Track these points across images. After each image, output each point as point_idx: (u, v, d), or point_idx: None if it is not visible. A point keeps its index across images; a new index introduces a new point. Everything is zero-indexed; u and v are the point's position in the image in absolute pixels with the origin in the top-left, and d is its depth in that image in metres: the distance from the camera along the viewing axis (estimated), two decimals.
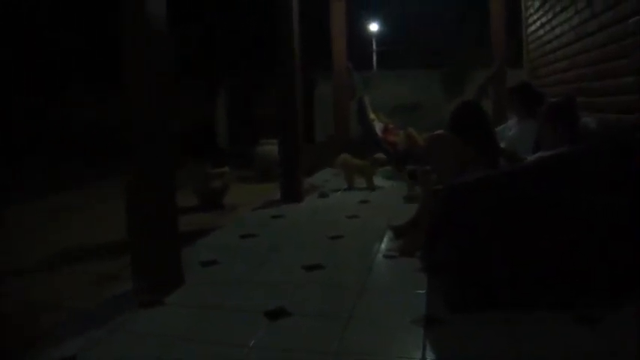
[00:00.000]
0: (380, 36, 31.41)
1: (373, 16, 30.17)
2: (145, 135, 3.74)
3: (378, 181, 7.91)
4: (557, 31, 6.56)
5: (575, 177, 3.33)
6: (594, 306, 3.16)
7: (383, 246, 4.73)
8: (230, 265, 4.45)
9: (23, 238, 5.92)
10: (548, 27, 7.13)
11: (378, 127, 9.05)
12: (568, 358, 2.72)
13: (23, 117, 11.08)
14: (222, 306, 3.59)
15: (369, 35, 30.90)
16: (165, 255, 3.88)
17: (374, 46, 30.89)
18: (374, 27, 31.23)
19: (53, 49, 12.00)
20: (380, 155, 8.15)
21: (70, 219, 6.85)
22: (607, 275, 3.22)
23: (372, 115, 9.14)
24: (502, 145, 5.01)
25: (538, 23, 7.76)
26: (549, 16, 7.01)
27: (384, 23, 31.14)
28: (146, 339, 3.15)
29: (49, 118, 11.57)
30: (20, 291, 4.26)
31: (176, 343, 3.08)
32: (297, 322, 3.30)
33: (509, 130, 5.54)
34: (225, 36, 14.73)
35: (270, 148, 9.12)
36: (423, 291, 3.66)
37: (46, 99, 11.77)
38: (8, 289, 4.29)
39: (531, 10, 8.32)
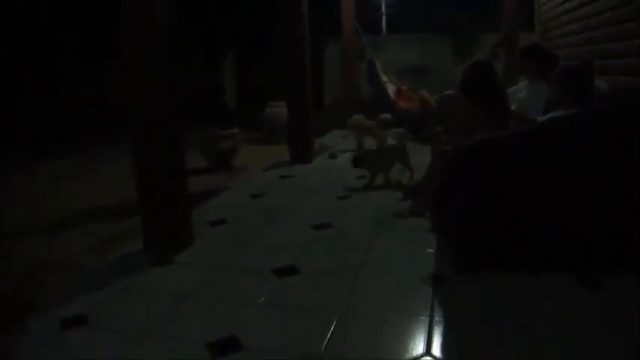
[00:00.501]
0: None
1: None
2: (150, 94, 3.71)
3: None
4: None
5: (585, 138, 3.30)
6: (599, 269, 3.17)
7: (392, 206, 4.74)
8: (239, 225, 4.48)
9: (24, 204, 5.93)
10: None
11: (391, 89, 9.00)
12: (569, 318, 2.74)
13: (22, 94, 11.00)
14: (232, 265, 3.62)
15: None
16: (175, 214, 3.90)
17: (383, 9, 30.55)
18: None
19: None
20: (385, 116, 8.08)
21: (70, 184, 6.84)
22: (614, 238, 3.22)
23: (384, 78, 9.08)
24: (512, 106, 4.98)
25: None
26: None
27: None
28: (156, 297, 3.19)
29: (46, 95, 11.50)
30: (26, 253, 4.28)
31: (186, 301, 3.11)
32: (306, 280, 3.33)
33: (520, 92, 5.50)
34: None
35: (279, 110, 9.07)
36: (432, 250, 3.69)
37: (44, 75, 11.70)
38: (14, 252, 4.33)
39: None
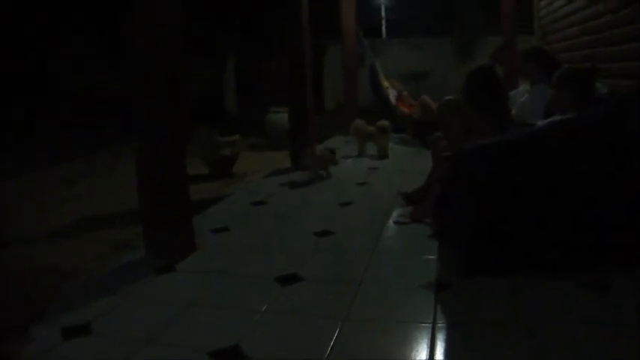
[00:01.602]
0: (389, 3, 31.08)
1: None
2: (154, 103, 3.74)
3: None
4: None
5: (585, 142, 3.31)
6: (604, 272, 3.17)
7: (393, 212, 4.74)
8: (241, 232, 4.48)
9: (34, 208, 5.95)
10: None
11: (392, 94, 8.99)
12: (573, 321, 2.74)
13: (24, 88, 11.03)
14: (234, 272, 3.63)
15: (378, 3, 30.59)
16: (177, 222, 3.91)
17: (383, 13, 30.59)
18: None
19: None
20: (383, 122, 8.11)
21: (80, 188, 6.87)
22: (616, 240, 3.22)
23: (385, 83, 9.07)
24: (513, 110, 4.99)
25: None
26: None
27: None
28: (160, 305, 3.19)
29: (50, 87, 11.53)
30: (32, 258, 4.28)
31: (189, 308, 3.11)
32: (309, 287, 3.32)
33: (521, 95, 5.51)
34: (233, 4, 14.61)
35: (280, 115, 9.07)
36: (434, 256, 3.68)
37: (47, 67, 11.72)
38: (20, 257, 4.34)
39: None
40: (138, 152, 3.83)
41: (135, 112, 3.79)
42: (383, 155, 7.56)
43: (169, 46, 3.77)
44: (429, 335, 2.67)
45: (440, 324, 2.79)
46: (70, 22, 11.50)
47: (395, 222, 4.52)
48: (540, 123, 4.05)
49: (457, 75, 5.38)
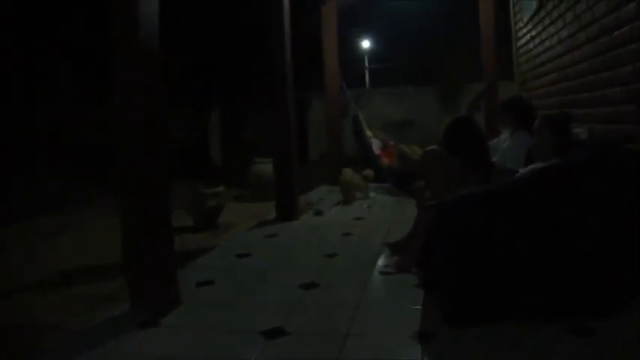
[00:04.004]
0: (372, 53, 31.54)
1: (365, 33, 30.31)
2: (138, 155, 3.75)
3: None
4: (547, 44, 6.62)
5: (567, 188, 3.35)
6: (589, 318, 3.17)
7: (379, 262, 4.73)
8: (226, 285, 4.45)
9: (12, 260, 5.90)
10: (537, 40, 7.19)
11: (376, 144, 9.05)
12: None
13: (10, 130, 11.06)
14: (219, 326, 3.58)
15: (361, 53, 31.03)
16: (161, 276, 3.88)
17: (366, 64, 31.00)
18: (366, 44, 31.35)
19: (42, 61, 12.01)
20: (368, 171, 8.18)
21: (61, 240, 6.82)
22: (602, 284, 3.24)
23: (368, 132, 9.15)
24: (494, 158, 5.04)
25: (527, 37, 7.83)
26: (538, 29, 7.07)
27: (375, 41, 31.27)
28: None
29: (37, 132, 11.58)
30: (11, 313, 4.23)
31: None
32: (295, 341, 3.29)
33: (503, 143, 5.58)
34: (218, 56, 14.77)
35: (264, 167, 9.11)
36: (420, 306, 3.67)
37: (35, 112, 11.78)
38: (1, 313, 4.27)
39: (520, 24, 8.40)
40: (121, 203, 3.82)
41: (118, 162, 3.80)
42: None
43: (149, 93, 3.80)
44: None
45: None
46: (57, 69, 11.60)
47: (380, 272, 4.51)
48: (522, 170, 4.10)
49: (441, 124, 5.45)
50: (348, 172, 8.01)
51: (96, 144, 10.74)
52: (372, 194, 8.17)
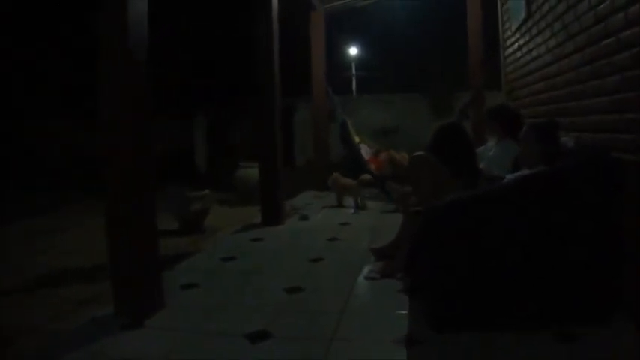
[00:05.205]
0: (359, 60, 31.58)
1: (353, 41, 30.37)
2: (124, 158, 3.72)
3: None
4: (534, 53, 6.65)
5: (554, 196, 3.36)
6: (574, 325, 3.18)
7: (364, 268, 4.72)
8: (211, 288, 4.42)
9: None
10: (525, 49, 7.22)
11: (364, 150, 9.05)
12: None
13: None
14: (203, 329, 3.56)
15: (348, 60, 31.06)
16: (146, 278, 3.85)
17: (353, 71, 31.04)
18: (353, 51, 31.39)
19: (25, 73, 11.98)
20: (366, 176, 8.19)
21: (45, 243, 6.78)
22: (588, 291, 3.25)
23: (356, 138, 9.14)
24: (481, 165, 5.05)
25: (515, 46, 7.85)
26: (526, 38, 7.10)
27: (363, 47, 31.33)
28: None
29: (21, 143, 11.54)
30: None
31: None
32: (279, 344, 3.28)
33: (489, 150, 5.59)
34: (205, 61, 14.77)
35: (250, 171, 9.10)
36: (405, 311, 3.67)
37: (18, 124, 11.75)
38: None
39: (508, 33, 8.42)
40: (106, 206, 3.79)
41: (104, 166, 3.77)
42: (361, 207, 7.85)
43: (135, 97, 3.78)
44: None
45: None
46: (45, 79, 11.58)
47: (366, 277, 4.50)
48: (509, 176, 4.10)
49: (427, 130, 5.46)
50: (335, 175, 8.04)
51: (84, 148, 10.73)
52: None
